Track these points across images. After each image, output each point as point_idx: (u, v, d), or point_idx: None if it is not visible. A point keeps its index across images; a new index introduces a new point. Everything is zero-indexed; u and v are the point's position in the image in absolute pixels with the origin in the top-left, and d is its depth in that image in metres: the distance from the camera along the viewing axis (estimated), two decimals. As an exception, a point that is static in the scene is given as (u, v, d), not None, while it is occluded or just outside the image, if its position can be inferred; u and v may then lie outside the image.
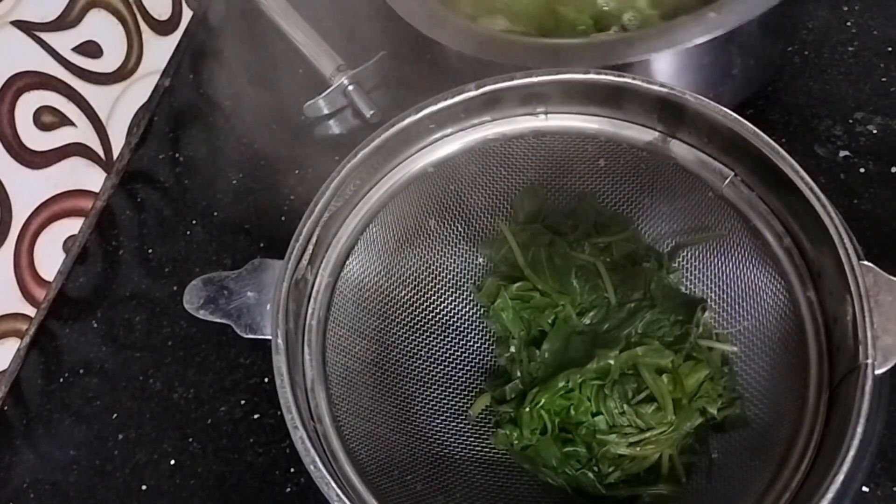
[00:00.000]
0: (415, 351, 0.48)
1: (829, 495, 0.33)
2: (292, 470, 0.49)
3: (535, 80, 0.43)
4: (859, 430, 0.34)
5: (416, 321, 0.49)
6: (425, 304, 0.49)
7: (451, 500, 0.43)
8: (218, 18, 0.72)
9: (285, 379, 0.38)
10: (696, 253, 0.47)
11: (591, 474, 0.43)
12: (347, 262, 0.45)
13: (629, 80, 0.42)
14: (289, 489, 0.49)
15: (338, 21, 0.68)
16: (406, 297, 0.48)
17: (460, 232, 0.50)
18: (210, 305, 0.42)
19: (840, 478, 0.33)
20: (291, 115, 0.64)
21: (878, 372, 0.35)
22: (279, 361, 0.39)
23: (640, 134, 0.45)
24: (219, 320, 0.42)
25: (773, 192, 0.42)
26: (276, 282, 0.41)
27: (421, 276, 0.49)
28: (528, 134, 0.46)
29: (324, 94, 0.62)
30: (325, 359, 0.43)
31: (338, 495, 0.35)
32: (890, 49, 0.58)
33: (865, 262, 0.37)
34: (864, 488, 0.44)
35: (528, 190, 0.50)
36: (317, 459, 0.36)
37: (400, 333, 0.48)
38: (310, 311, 0.43)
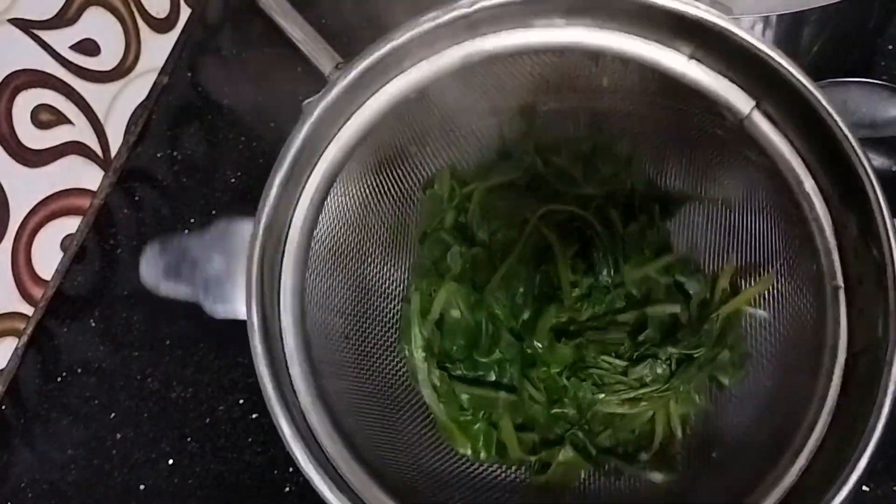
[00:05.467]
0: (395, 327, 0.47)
1: (855, 476, 0.32)
2: (291, 469, 0.49)
3: None
4: (888, 399, 0.32)
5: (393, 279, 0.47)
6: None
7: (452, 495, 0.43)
8: (216, 16, 0.72)
9: (271, 389, 0.37)
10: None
11: (581, 434, 0.43)
12: (323, 209, 0.42)
13: None
14: (287, 488, 0.49)
15: (336, 18, 0.68)
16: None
17: (445, 163, 0.46)
18: (172, 276, 0.37)
19: (863, 463, 0.32)
20: (290, 113, 0.63)
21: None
22: (260, 365, 0.37)
23: (653, 52, 0.38)
24: (184, 298, 0.38)
25: (800, 129, 0.37)
26: (248, 250, 0.36)
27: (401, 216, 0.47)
28: (524, 51, 0.39)
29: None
30: (310, 354, 0.41)
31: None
32: None
33: None
34: (865, 487, 0.43)
35: (520, 113, 0.45)
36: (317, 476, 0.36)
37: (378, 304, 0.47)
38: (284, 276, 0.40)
